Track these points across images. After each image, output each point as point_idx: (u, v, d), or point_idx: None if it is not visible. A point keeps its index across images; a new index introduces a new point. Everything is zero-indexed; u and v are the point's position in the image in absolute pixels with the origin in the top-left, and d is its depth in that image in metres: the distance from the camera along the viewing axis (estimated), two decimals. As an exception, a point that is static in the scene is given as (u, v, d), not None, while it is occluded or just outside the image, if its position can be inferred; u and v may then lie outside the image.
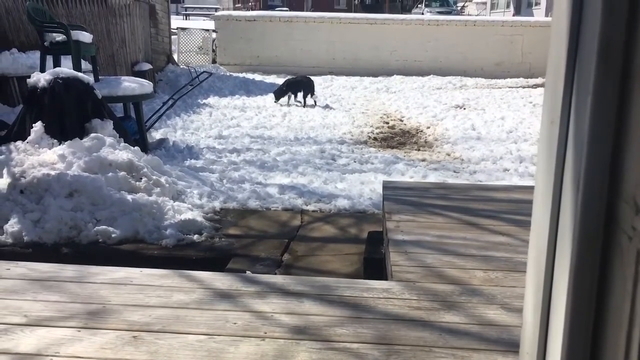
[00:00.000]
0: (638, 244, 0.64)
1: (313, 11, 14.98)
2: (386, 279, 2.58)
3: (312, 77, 12.98)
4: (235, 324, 1.97)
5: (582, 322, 0.75)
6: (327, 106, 9.97)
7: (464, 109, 9.55)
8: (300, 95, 9.98)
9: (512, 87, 12.23)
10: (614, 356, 0.68)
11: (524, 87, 12.20)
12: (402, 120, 8.84)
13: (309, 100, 9.93)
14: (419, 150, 7.02)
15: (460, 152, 6.74)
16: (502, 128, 7.97)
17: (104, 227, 3.79)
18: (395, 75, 13.32)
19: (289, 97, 9.93)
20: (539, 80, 13.11)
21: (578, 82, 0.76)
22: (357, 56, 14.17)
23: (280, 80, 12.59)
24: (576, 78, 0.77)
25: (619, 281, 0.68)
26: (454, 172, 5.90)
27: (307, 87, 9.98)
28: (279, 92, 9.97)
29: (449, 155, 6.70)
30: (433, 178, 5.51)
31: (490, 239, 2.89)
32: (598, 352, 0.74)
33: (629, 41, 0.68)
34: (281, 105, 9.78)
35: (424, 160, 6.43)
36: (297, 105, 9.85)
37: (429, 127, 8.21)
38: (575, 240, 0.75)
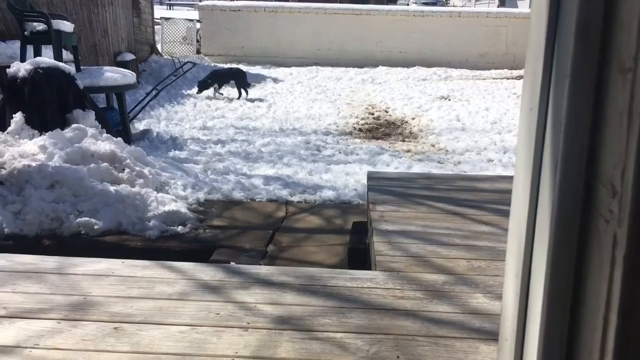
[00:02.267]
0: (615, 227, 0.64)
1: (298, 2, 14.88)
2: (370, 269, 2.58)
3: (298, 68, 12.96)
4: (218, 314, 1.96)
5: (559, 307, 0.75)
6: (259, 99, 9.32)
7: (449, 100, 9.58)
8: (227, 87, 9.43)
9: (496, 79, 12.29)
10: (591, 340, 0.69)
11: (508, 79, 12.26)
12: (387, 112, 8.84)
13: (237, 93, 9.43)
14: (404, 141, 7.03)
15: (444, 143, 6.76)
16: (487, 119, 8.01)
17: (86, 218, 3.74)
18: (380, 67, 13.31)
19: (215, 90, 9.33)
20: (523, 72, 13.18)
21: (557, 65, 0.76)
22: (343, 47, 14.13)
23: (265, 71, 12.53)
24: (555, 62, 0.76)
25: (596, 265, 0.68)
26: (439, 162, 5.92)
27: (235, 78, 9.40)
28: (203, 84, 9.24)
29: (433, 146, 6.72)
30: (418, 169, 5.52)
31: (474, 229, 2.91)
32: (575, 337, 0.74)
33: (606, 23, 0.68)
34: (207, 98, 9.16)
35: (408, 151, 6.44)
36: (218, 99, 9.20)
37: (414, 118, 8.23)
38: (552, 224, 0.75)
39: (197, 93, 9.24)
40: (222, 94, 9.40)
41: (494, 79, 12.31)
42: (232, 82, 9.47)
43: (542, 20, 0.77)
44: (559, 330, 0.76)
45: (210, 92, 9.33)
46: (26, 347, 1.73)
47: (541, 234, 0.79)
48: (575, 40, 0.69)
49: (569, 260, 0.74)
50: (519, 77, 12.30)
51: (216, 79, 9.37)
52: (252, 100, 9.23)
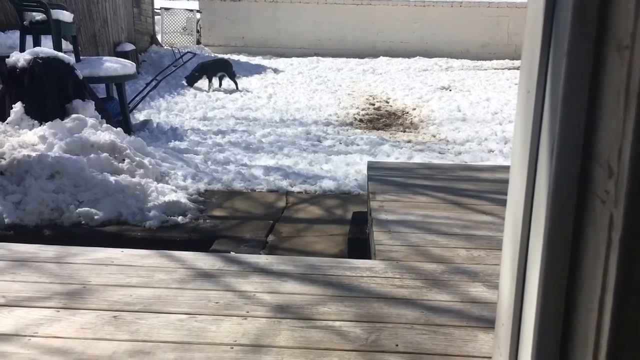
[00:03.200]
0: (611, 208, 0.63)
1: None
2: (370, 259, 2.58)
3: (299, 58, 12.91)
4: (217, 303, 1.96)
5: (555, 289, 0.75)
6: (246, 90, 9.20)
7: (450, 90, 9.55)
8: (219, 78, 9.33)
9: (497, 69, 12.25)
10: (586, 322, 0.68)
11: (509, 69, 12.22)
12: (388, 102, 8.82)
13: (227, 84, 9.30)
14: (404, 131, 7.02)
15: (445, 134, 6.75)
16: (488, 109, 7.99)
17: (86, 208, 3.74)
18: (381, 57, 13.27)
19: (210, 83, 9.18)
20: (524, 62, 13.13)
21: (554, 46, 0.75)
22: (343, 37, 14.08)
23: (265, 62, 12.50)
24: (552, 42, 0.75)
25: (592, 247, 0.68)
26: (439, 153, 5.91)
27: (223, 69, 9.29)
28: (191, 78, 9.17)
29: (434, 136, 6.71)
30: (418, 159, 5.51)
31: (474, 218, 2.90)
32: (571, 319, 0.74)
33: (603, 2, 0.67)
34: (203, 90, 9.05)
35: (409, 141, 6.43)
36: (219, 91, 9.11)
37: (414, 109, 8.21)
38: (548, 206, 0.74)
39: (188, 86, 9.15)
40: (220, 89, 9.27)
41: (495, 69, 12.27)
42: (221, 74, 9.32)
43: (541, 0, 0.76)
44: (554, 313, 0.75)
45: (203, 84, 9.23)
46: (25, 335, 1.73)
47: (537, 216, 0.79)
48: (572, 19, 0.68)
49: (564, 242, 0.74)
50: (521, 68, 12.26)
51: (204, 71, 9.21)
52: (229, 92, 9.13)
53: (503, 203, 3.18)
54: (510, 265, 0.88)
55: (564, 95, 0.71)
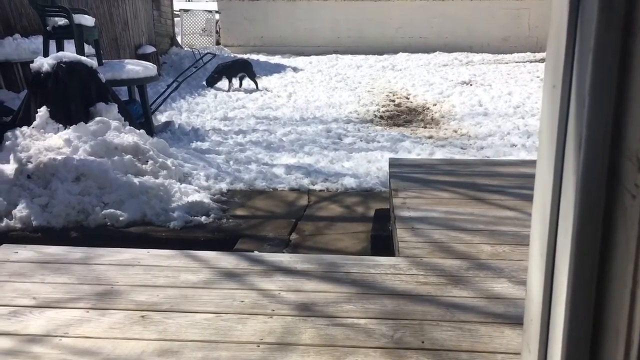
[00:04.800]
0: (641, 201, 0.63)
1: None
2: (393, 256, 2.58)
3: (318, 56, 12.91)
4: (242, 302, 1.98)
5: (585, 285, 0.74)
6: (266, 89, 9.20)
7: (471, 85, 9.47)
8: (239, 78, 9.33)
9: (519, 62, 12.11)
10: (617, 317, 0.68)
11: (531, 62, 12.07)
12: (408, 98, 8.78)
13: (247, 84, 9.31)
14: (425, 127, 6.98)
15: (467, 129, 6.70)
16: (509, 103, 7.91)
17: (111, 210, 3.79)
18: (400, 53, 13.20)
19: (230, 83, 9.20)
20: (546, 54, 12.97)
21: (580, 40, 0.74)
22: (362, 34, 14.04)
23: (285, 61, 12.53)
24: (578, 36, 0.75)
25: (622, 242, 0.67)
26: (461, 148, 5.87)
27: (242, 70, 9.30)
28: (211, 79, 9.22)
29: (455, 131, 6.66)
30: (440, 155, 5.48)
31: (498, 214, 2.88)
32: (602, 314, 0.73)
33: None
34: (223, 91, 9.08)
35: (430, 137, 6.39)
36: (239, 91, 9.11)
37: (435, 104, 8.16)
38: (577, 202, 0.73)
39: (208, 87, 9.20)
40: (240, 88, 9.30)
41: (516, 62, 12.13)
42: (241, 74, 9.38)
43: (564, -6, 0.75)
44: (584, 308, 0.75)
45: (223, 85, 9.30)
46: (56, 336, 1.77)
47: (566, 211, 0.78)
48: (598, 11, 0.67)
49: (594, 237, 0.73)
50: (542, 60, 12.10)
51: (223, 71, 9.25)
52: (250, 92, 9.16)
53: (527, 198, 3.15)
54: (538, 262, 0.88)
55: (590, 89, 0.70)
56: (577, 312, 0.75)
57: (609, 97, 0.70)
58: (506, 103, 7.94)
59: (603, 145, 0.71)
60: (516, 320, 1.83)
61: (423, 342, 1.73)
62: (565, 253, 0.77)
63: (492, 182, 3.44)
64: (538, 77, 10.07)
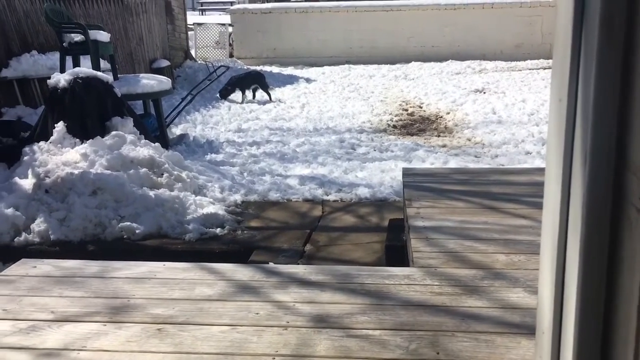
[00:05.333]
0: (646, 216, 0.63)
1: (329, 1, 14.85)
2: (408, 266, 2.57)
3: (331, 67, 12.95)
4: (257, 314, 1.99)
5: (594, 297, 0.74)
6: (279, 101, 9.22)
7: (484, 93, 9.44)
8: (253, 90, 9.36)
9: (532, 69, 12.05)
10: (626, 330, 0.68)
11: (544, 69, 12.01)
12: (421, 107, 8.77)
13: (260, 95, 9.32)
14: (439, 136, 6.97)
15: (481, 137, 6.68)
16: (523, 111, 7.87)
17: (127, 223, 3.83)
18: (413, 62, 13.20)
19: (243, 95, 9.21)
20: (560, 61, 12.87)
21: (584, 56, 0.75)
22: (374, 44, 14.07)
23: (297, 72, 12.58)
24: (582, 52, 0.75)
25: (629, 254, 0.67)
26: (475, 157, 5.85)
27: (255, 82, 9.32)
28: (224, 91, 9.23)
29: (469, 140, 6.64)
30: (454, 164, 5.47)
31: (512, 223, 2.87)
32: (611, 326, 0.73)
33: (630, 11, 0.67)
34: (237, 103, 9.09)
35: (444, 146, 6.38)
36: (253, 102, 9.12)
37: (448, 113, 8.15)
38: (584, 215, 0.74)
39: (221, 99, 9.24)
40: (253, 100, 9.33)
41: (530, 69, 12.08)
42: (254, 86, 9.42)
43: (569, 11, 0.76)
44: (594, 320, 0.75)
45: (237, 97, 9.35)
46: (74, 350, 1.79)
47: (574, 225, 0.79)
48: (599, 27, 0.68)
49: (601, 250, 0.73)
50: (556, 67, 12.01)
51: (236, 84, 9.29)
52: (263, 103, 9.21)
53: (541, 206, 3.12)
54: (549, 274, 0.88)
55: (594, 104, 0.71)
56: (586, 324, 0.76)
57: (612, 112, 0.70)
58: (520, 110, 7.90)
59: (607, 160, 0.71)
60: (533, 331, 1.81)
61: (438, 354, 1.73)
62: (574, 266, 0.78)
63: (507, 191, 3.43)
64: (552, 83, 10.00)
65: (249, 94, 9.43)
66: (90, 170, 4.17)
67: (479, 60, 13.09)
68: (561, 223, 0.82)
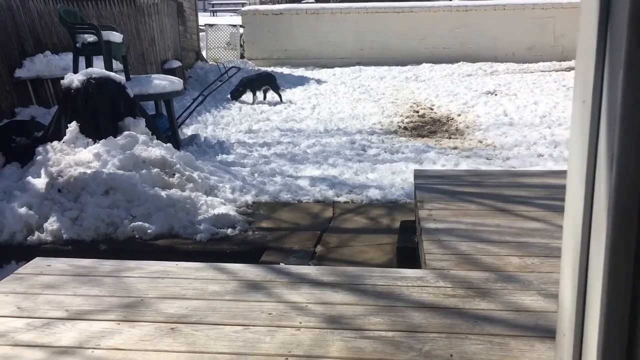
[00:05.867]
0: (674, 217, 0.62)
1: (340, 2, 14.86)
2: (420, 268, 2.57)
3: (342, 68, 12.95)
4: (270, 314, 1.99)
5: (619, 301, 0.74)
6: (290, 102, 9.24)
7: (496, 95, 9.40)
8: (263, 91, 9.38)
9: (544, 71, 11.99)
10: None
11: (557, 71, 11.95)
12: (432, 109, 8.75)
13: (271, 96, 9.33)
14: (450, 138, 6.95)
15: (492, 139, 6.65)
16: (535, 113, 7.83)
17: (139, 223, 3.86)
18: (424, 64, 13.18)
19: (254, 96, 9.26)
20: (572, 63, 12.81)
21: (610, 56, 0.74)
22: (385, 46, 14.05)
23: (308, 73, 12.59)
24: (608, 53, 0.75)
25: (656, 257, 0.67)
26: (487, 159, 5.83)
27: (266, 83, 9.35)
28: (235, 92, 9.26)
29: (481, 142, 6.62)
30: (465, 166, 5.45)
31: (525, 225, 2.85)
32: (637, 328, 0.73)
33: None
34: (248, 104, 9.14)
35: (455, 148, 6.36)
36: (263, 103, 9.15)
37: (459, 115, 8.12)
38: (610, 218, 0.73)
39: (232, 100, 9.27)
40: (264, 101, 9.35)
41: (542, 71, 12.01)
42: (265, 87, 9.44)
43: (593, 11, 0.75)
44: (619, 324, 0.74)
45: (248, 98, 9.36)
46: (88, 348, 1.80)
47: (598, 226, 0.78)
48: (629, 30, 0.68)
49: (628, 251, 0.73)
50: (569, 69, 11.96)
51: (247, 85, 9.30)
52: (274, 104, 9.22)
53: (555, 209, 3.11)
54: (570, 275, 0.87)
55: (622, 106, 0.70)
56: (611, 327, 0.75)
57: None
58: (532, 113, 7.86)
59: (635, 162, 0.71)
60: (546, 334, 1.81)
61: (452, 356, 1.72)
62: (598, 268, 0.77)
63: (519, 193, 3.41)
64: (564, 86, 9.96)
65: (259, 95, 9.45)
66: (103, 170, 4.20)
67: (490, 62, 13.04)
68: (584, 226, 0.82)
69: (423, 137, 7.05)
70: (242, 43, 14.60)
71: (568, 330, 0.86)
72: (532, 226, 2.84)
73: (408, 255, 3.12)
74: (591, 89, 0.78)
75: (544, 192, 3.42)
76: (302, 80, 11.53)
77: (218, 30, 14.60)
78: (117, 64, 6.63)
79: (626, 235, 0.73)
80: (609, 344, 0.75)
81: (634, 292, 0.74)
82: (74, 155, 4.44)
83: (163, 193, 4.11)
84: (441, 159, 5.71)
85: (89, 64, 6.02)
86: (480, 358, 1.71)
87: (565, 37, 13.48)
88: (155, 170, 4.36)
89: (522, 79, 11.00)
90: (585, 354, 0.82)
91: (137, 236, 3.82)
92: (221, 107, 8.87)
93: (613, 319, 0.75)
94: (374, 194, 4.63)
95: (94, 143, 4.55)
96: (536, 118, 7.54)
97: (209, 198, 4.28)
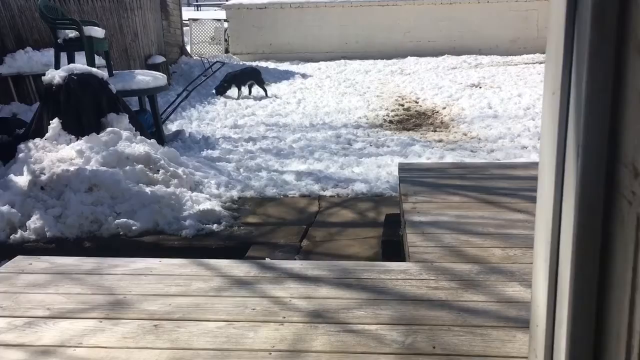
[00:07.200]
0: (638, 208, 0.63)
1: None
2: (404, 261, 2.58)
3: (327, 62, 12.93)
4: (254, 309, 1.99)
5: (586, 290, 0.75)
6: (275, 96, 9.22)
7: (480, 87, 9.44)
8: (249, 86, 9.34)
9: (528, 64, 12.05)
10: (618, 323, 0.68)
11: (540, 63, 12.01)
12: (417, 102, 8.77)
13: (256, 91, 9.31)
14: (435, 131, 6.97)
15: (477, 132, 6.68)
16: (519, 105, 7.87)
17: (124, 220, 3.83)
18: (409, 57, 13.19)
19: (239, 91, 9.20)
20: (556, 55, 12.87)
21: (577, 49, 0.75)
22: (370, 39, 14.05)
23: (293, 67, 12.56)
24: (575, 47, 0.75)
25: (621, 247, 0.68)
26: (471, 151, 5.86)
27: (251, 77, 9.32)
28: (220, 88, 9.20)
29: (465, 135, 6.64)
30: (450, 158, 5.47)
31: (508, 217, 2.87)
32: (604, 319, 0.74)
33: (622, 5, 0.67)
34: (233, 99, 9.08)
35: (440, 141, 6.38)
36: (248, 98, 9.11)
37: (444, 108, 8.15)
38: (576, 208, 0.74)
39: (217, 95, 9.21)
40: (249, 96, 9.31)
41: (525, 64, 12.08)
42: (250, 82, 9.40)
43: (562, 4, 0.76)
44: (586, 313, 0.75)
45: (233, 93, 9.32)
46: (70, 346, 1.79)
47: (567, 217, 0.79)
48: (591, 23, 0.68)
49: (593, 243, 0.74)
50: (552, 61, 12.01)
51: (232, 80, 9.26)
52: (259, 99, 9.19)
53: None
54: (542, 267, 0.88)
55: (587, 97, 0.71)
56: (579, 318, 0.76)
57: (604, 105, 0.71)
58: (516, 105, 7.91)
59: (600, 152, 0.71)
60: (528, 324, 1.83)
61: (434, 347, 1.73)
62: (567, 259, 0.78)
63: (503, 185, 3.44)
64: (548, 78, 10.01)
65: (245, 89, 9.41)
66: (86, 166, 4.16)
67: (474, 55, 13.08)
68: (554, 216, 0.83)
69: (408, 130, 7.06)
70: (226, 37, 14.53)
71: (541, 320, 0.87)
72: (515, 217, 2.86)
73: (393, 248, 3.13)
74: (560, 80, 0.78)
75: (527, 184, 3.44)
76: (287, 75, 11.49)
77: (202, 25, 14.51)
78: (99, 60, 6.56)
79: (591, 226, 0.74)
80: (578, 335, 0.76)
81: (601, 284, 0.75)
82: (57, 153, 4.40)
83: (147, 189, 4.09)
84: (426, 152, 5.73)
85: (70, 60, 5.96)
86: (462, 349, 1.72)
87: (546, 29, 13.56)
88: (140, 166, 4.33)
89: (506, 71, 11.05)
90: (557, 343, 0.83)
91: (121, 233, 3.79)
92: (206, 103, 8.82)
93: (581, 311, 0.76)
94: (360, 187, 4.63)
95: (77, 140, 4.50)
96: (520, 110, 7.58)
97: (194, 194, 4.26)
